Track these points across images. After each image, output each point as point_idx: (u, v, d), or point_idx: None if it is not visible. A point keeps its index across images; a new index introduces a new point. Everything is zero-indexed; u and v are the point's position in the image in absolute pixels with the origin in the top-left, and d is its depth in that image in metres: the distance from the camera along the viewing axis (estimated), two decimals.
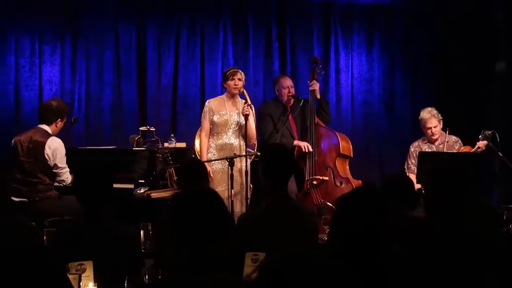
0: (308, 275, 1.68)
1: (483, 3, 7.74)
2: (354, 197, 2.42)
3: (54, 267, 2.35)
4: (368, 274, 2.30)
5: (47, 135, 5.87)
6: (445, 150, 6.58)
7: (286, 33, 8.09)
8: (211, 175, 6.28)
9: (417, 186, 5.29)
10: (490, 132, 6.19)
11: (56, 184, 5.95)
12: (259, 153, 5.91)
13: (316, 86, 6.88)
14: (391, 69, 8.06)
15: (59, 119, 5.97)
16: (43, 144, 5.81)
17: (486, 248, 2.81)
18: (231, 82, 6.47)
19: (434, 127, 6.66)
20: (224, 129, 6.49)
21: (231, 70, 6.56)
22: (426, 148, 6.72)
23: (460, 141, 6.71)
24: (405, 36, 8.03)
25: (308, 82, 6.94)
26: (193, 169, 4.56)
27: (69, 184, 5.87)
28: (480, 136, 6.20)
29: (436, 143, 6.73)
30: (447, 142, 6.68)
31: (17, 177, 5.76)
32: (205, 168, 4.66)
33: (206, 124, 6.54)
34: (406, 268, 2.64)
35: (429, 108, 6.74)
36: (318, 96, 6.92)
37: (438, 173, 3.03)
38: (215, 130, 6.52)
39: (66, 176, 5.90)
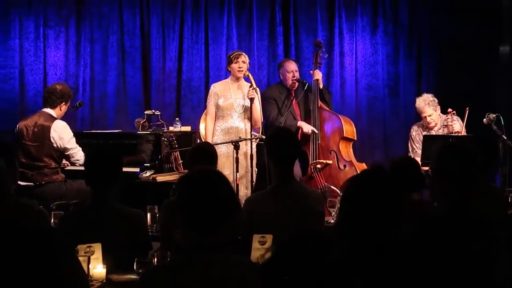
0: (320, 256, 1.70)
1: None
2: (363, 179, 2.42)
3: (64, 249, 2.37)
4: (376, 256, 2.31)
5: (52, 119, 5.87)
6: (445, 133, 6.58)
7: (290, 16, 8.04)
8: None
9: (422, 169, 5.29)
10: (494, 115, 6.18)
11: (70, 167, 5.99)
12: (263, 137, 5.90)
13: (319, 75, 6.86)
14: (396, 52, 8.02)
15: (63, 103, 5.98)
16: (49, 127, 5.82)
17: (493, 231, 2.81)
18: (235, 65, 6.48)
19: (429, 115, 6.64)
20: (230, 113, 6.51)
21: (235, 53, 6.56)
22: (425, 133, 6.69)
23: (459, 120, 6.64)
24: (410, 19, 7.98)
25: (311, 71, 6.91)
26: (205, 151, 4.54)
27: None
28: (484, 119, 6.20)
29: (436, 129, 6.72)
30: (445, 126, 6.66)
31: (22, 161, 5.75)
32: (216, 152, 4.63)
33: (211, 108, 6.57)
34: (412, 251, 2.66)
35: (424, 96, 6.70)
36: (321, 86, 6.88)
37: (450, 153, 2.97)
38: (220, 113, 6.54)
39: (80, 155, 5.87)
